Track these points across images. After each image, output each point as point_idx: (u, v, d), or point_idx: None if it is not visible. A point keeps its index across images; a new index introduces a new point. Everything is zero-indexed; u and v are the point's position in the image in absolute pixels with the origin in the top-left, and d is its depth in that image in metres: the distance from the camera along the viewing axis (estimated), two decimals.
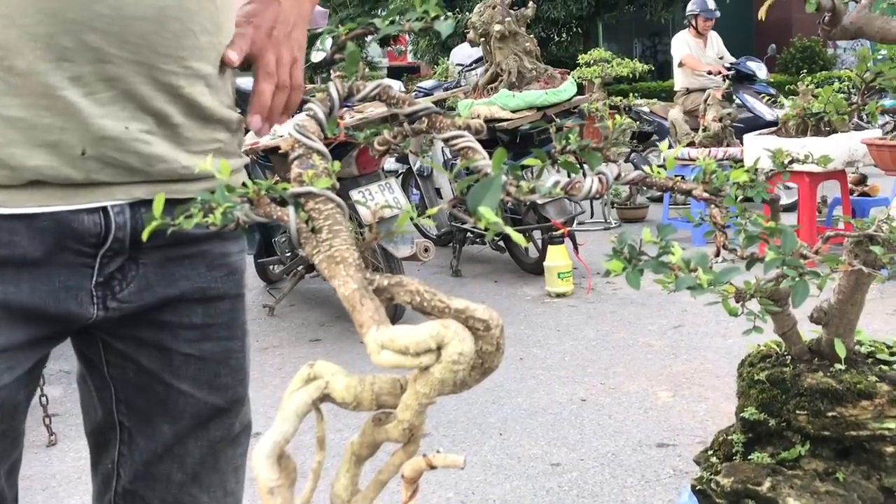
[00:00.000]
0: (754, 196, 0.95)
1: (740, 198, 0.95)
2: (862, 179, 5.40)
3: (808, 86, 4.67)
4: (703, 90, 6.28)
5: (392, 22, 0.82)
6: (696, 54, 6.87)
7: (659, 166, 0.72)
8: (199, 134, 0.94)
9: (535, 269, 4.90)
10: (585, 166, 0.73)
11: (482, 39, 4.67)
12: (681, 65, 6.86)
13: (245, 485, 1.12)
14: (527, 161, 0.72)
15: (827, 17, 0.97)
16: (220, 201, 0.56)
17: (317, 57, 1.01)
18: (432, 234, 5.26)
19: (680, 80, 6.94)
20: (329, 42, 0.94)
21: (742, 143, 5.20)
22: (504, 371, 3.35)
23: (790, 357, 1.06)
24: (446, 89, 5.57)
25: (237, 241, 1.05)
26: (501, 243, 5.12)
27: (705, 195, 0.66)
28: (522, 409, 2.95)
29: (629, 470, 2.43)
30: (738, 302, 0.86)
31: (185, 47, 0.89)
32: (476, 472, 2.47)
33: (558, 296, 4.48)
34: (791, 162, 1.04)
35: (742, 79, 6.73)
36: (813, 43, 15.55)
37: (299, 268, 4.25)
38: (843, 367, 1.01)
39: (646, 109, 7.18)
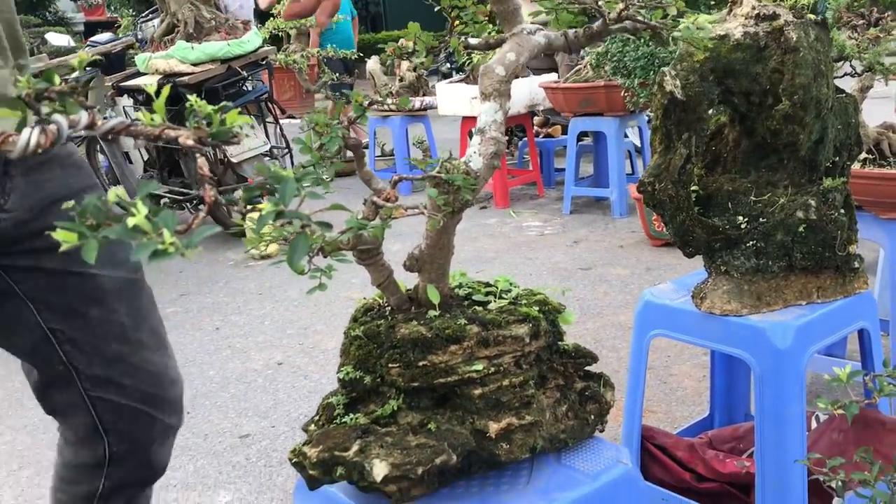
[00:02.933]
0: (327, 143, 0.87)
1: (317, 146, 0.87)
2: (546, 122, 5.77)
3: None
4: None
5: None
6: None
7: (150, 112, 0.60)
8: None
9: (241, 232, 4.69)
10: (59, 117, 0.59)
11: None
12: None
13: None
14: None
15: None
16: None
17: None
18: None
19: None
20: None
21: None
22: (197, 344, 3.15)
23: (389, 308, 1.01)
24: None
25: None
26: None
27: (190, 143, 0.56)
28: (214, 383, 2.79)
29: None
30: (310, 258, 0.77)
31: None
32: None
33: (262, 258, 4.33)
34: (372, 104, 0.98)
35: None
36: None
37: None
38: (437, 313, 0.97)
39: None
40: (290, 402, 2.60)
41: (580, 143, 5.06)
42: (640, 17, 0.99)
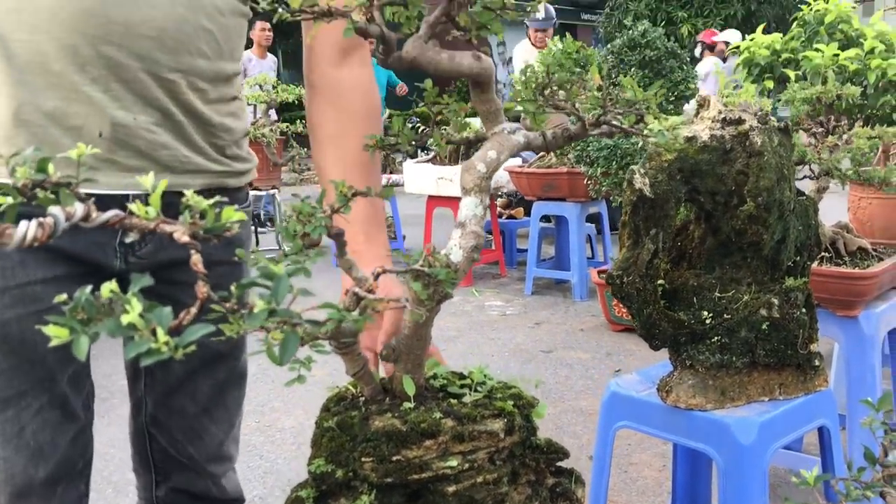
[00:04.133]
0: (312, 232, 0.88)
1: (300, 233, 0.87)
2: (510, 203, 5.87)
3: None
4: None
5: None
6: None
7: (145, 205, 0.60)
8: (197, 133, 1.20)
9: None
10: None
11: None
12: None
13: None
14: None
15: (381, 47, 0.91)
16: None
17: None
18: None
19: None
20: None
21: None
22: None
23: (363, 399, 1.00)
24: None
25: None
26: None
27: (185, 239, 0.56)
28: None
29: None
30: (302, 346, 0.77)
31: (182, 62, 1.15)
32: None
33: None
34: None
35: None
36: None
37: None
38: (411, 405, 0.97)
39: None
40: (245, 482, 2.52)
41: (542, 225, 5.14)
42: (615, 122, 1.03)
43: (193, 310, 0.56)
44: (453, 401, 1.00)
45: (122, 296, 0.52)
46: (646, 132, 1.06)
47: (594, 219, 5.20)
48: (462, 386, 1.04)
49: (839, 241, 2.12)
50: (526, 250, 5.00)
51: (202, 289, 0.56)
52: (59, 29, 1.08)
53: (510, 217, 5.83)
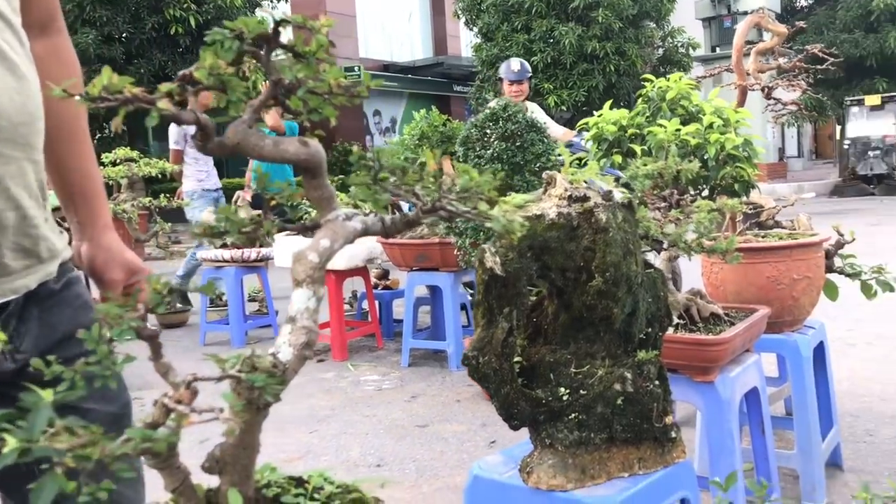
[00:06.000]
0: (117, 337, 0.80)
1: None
2: (385, 274, 5.82)
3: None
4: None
5: None
6: None
7: None
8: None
9: None
10: None
11: None
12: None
13: None
14: None
15: (198, 133, 0.85)
16: None
17: None
18: None
19: None
20: None
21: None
22: None
23: None
24: None
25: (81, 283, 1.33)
26: None
27: None
28: None
29: None
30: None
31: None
32: None
33: None
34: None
35: None
36: (352, 144, 17.00)
37: None
38: None
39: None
40: None
41: (418, 296, 5.12)
42: (451, 208, 1.00)
43: None
44: None
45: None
46: (482, 217, 1.04)
47: (473, 285, 5.22)
48: (297, 495, 0.97)
49: (693, 308, 2.18)
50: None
51: None
52: None
53: (386, 287, 5.78)
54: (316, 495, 0.96)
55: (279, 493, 0.96)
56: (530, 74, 5.45)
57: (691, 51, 17.37)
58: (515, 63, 5.42)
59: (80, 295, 1.31)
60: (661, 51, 17.22)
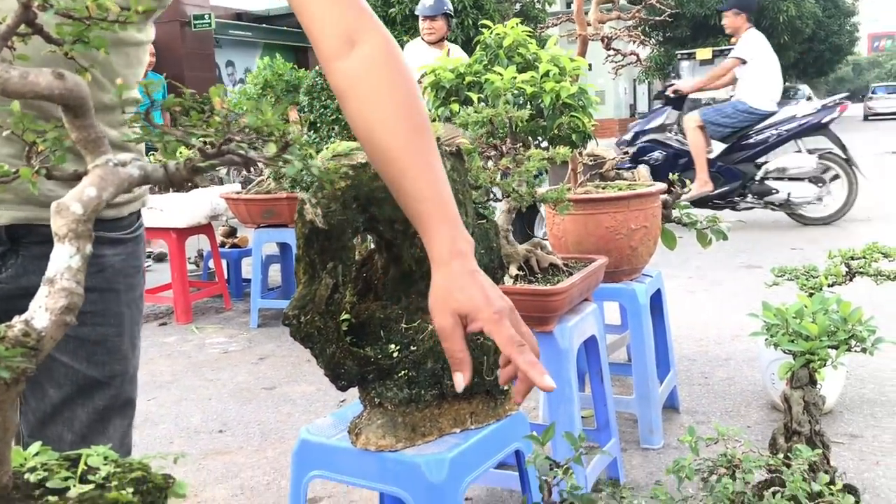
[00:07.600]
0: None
1: None
2: (232, 232, 5.59)
3: None
4: None
5: None
6: None
7: None
8: None
9: None
10: None
11: None
12: None
13: None
14: None
15: None
16: None
17: None
18: None
19: None
20: None
21: None
22: None
23: None
24: None
25: (114, 245, 1.24)
26: None
27: None
28: None
29: None
30: None
31: None
32: None
33: None
34: None
35: None
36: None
37: None
38: None
39: None
40: None
41: (267, 254, 4.94)
42: (241, 152, 0.90)
43: None
44: (52, 498, 0.81)
45: None
46: (280, 163, 0.94)
47: None
48: (67, 478, 0.85)
49: (532, 259, 2.17)
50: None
51: None
52: None
53: (234, 246, 5.55)
54: (90, 476, 0.85)
55: (45, 477, 0.84)
56: (448, 10, 4.99)
57: (547, 6, 17.62)
58: None
59: (101, 255, 1.22)
60: (518, 6, 17.38)
